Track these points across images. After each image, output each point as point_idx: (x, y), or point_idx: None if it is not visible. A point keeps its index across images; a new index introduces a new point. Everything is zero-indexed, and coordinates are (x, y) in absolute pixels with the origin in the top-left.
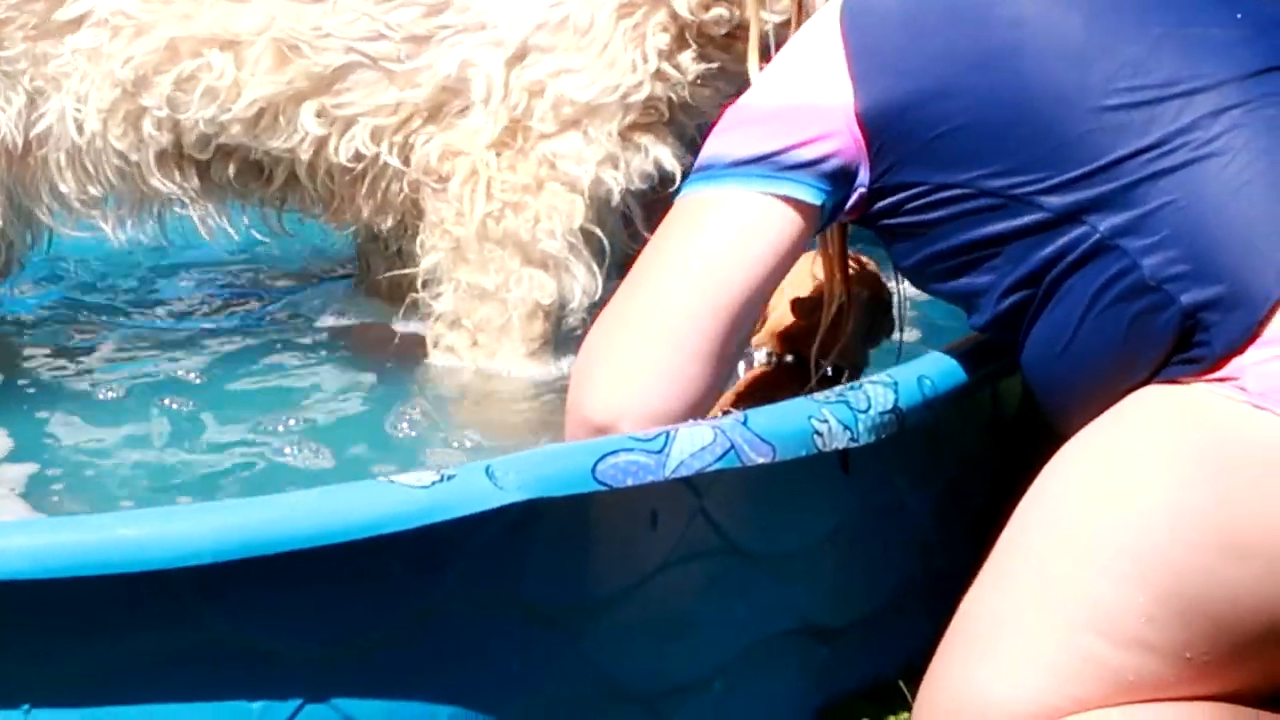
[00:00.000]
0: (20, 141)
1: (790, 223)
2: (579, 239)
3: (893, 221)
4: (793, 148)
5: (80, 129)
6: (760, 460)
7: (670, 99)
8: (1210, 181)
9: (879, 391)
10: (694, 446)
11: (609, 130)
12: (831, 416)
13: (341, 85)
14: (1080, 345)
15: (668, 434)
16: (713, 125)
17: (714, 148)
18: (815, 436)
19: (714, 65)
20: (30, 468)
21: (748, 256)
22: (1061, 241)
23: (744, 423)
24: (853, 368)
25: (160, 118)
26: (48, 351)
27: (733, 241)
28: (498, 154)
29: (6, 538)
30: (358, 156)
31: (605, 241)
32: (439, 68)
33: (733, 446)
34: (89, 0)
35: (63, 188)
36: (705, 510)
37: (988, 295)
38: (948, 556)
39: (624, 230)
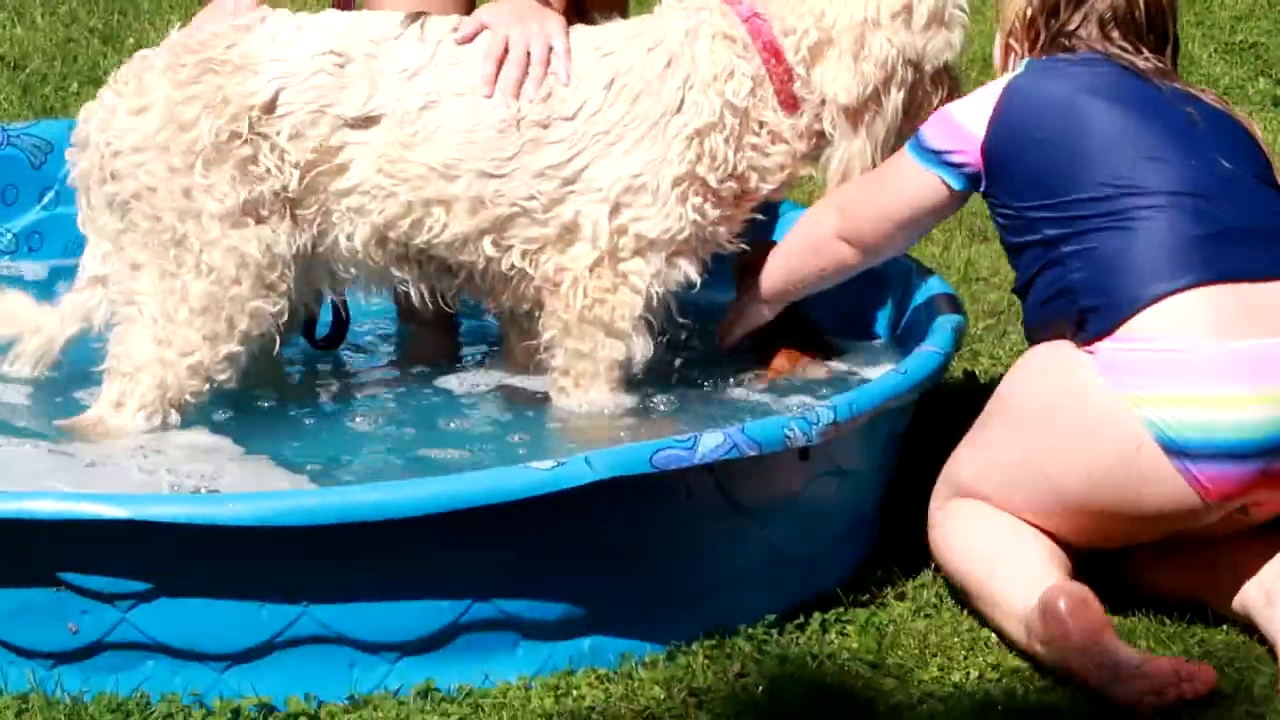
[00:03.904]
0: (309, 249)
1: (941, 193)
2: (640, 322)
3: (992, 216)
4: (951, 152)
5: (349, 251)
6: (751, 453)
7: (698, 235)
8: (1125, 241)
9: (825, 411)
10: (712, 444)
11: (660, 256)
12: (796, 428)
13: (508, 226)
14: (1040, 316)
15: (696, 437)
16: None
17: (925, 130)
18: (786, 438)
19: (724, 213)
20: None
21: (918, 199)
22: (1046, 253)
23: (742, 430)
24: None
25: (398, 241)
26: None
27: (913, 187)
28: (591, 270)
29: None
30: (511, 268)
31: (654, 323)
32: (564, 215)
33: (735, 444)
34: (358, 174)
35: (335, 273)
36: (719, 483)
37: (1019, 270)
38: (873, 505)
39: (664, 315)
